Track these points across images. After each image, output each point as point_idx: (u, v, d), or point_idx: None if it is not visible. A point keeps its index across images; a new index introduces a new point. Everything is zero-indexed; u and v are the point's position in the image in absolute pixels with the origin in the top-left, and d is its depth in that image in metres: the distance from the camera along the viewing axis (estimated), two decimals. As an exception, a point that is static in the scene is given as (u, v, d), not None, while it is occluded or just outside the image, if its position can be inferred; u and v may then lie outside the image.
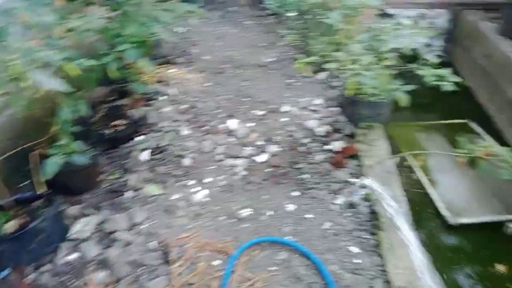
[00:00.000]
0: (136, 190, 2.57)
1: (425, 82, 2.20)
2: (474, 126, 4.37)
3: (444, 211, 3.26)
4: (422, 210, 3.36)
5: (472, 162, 2.05)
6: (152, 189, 2.57)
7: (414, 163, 3.85)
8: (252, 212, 2.40)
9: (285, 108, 3.35)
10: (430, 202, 3.41)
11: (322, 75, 3.83)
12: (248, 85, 3.71)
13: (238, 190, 2.58)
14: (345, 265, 2.08)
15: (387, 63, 2.24)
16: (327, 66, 2.28)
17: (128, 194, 2.54)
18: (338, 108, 3.29)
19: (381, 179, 2.59)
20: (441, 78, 2.20)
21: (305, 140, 2.99)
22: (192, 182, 2.64)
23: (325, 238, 2.24)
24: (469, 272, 2.88)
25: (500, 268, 2.93)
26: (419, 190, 3.54)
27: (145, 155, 2.84)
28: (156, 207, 2.44)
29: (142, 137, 2.99)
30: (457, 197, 3.42)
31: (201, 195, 2.54)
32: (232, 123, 3.17)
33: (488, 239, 3.13)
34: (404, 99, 2.09)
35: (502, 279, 2.81)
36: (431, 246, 3.01)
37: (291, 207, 2.43)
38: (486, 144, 2.06)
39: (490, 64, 4.61)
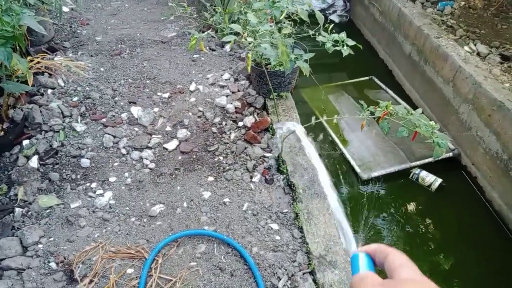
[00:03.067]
0: (26, 205, 2.21)
1: (327, 49, 2.15)
2: (378, 81, 4.62)
3: (357, 168, 3.44)
4: (339, 169, 3.51)
5: (377, 120, 2.09)
6: (46, 201, 2.24)
7: (327, 125, 3.98)
8: (165, 208, 2.22)
9: (192, 86, 3.13)
10: (345, 161, 3.58)
11: (227, 47, 3.64)
12: (150, 66, 3.39)
13: (147, 185, 2.36)
14: (266, 244, 2.03)
15: (286, 31, 2.14)
16: (224, 39, 2.10)
17: (17, 211, 2.17)
18: (247, 81, 3.17)
19: (293, 149, 2.57)
20: (339, 43, 2.16)
21: (217, 119, 2.84)
22: (93, 185, 2.35)
23: (245, 220, 2.16)
24: (385, 215, 3.12)
25: (411, 207, 3.22)
26: (334, 152, 3.69)
27: (34, 162, 2.45)
28: (54, 221, 2.13)
29: (28, 141, 2.57)
30: (367, 153, 3.63)
31: (105, 198, 2.27)
32: (135, 111, 2.87)
33: (398, 186, 3.41)
34: (305, 68, 2.02)
35: (412, 216, 3.11)
36: (349, 203, 3.19)
37: (207, 194, 2.30)
38: (385, 104, 2.10)
39: (387, 20, 4.84)
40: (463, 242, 2.92)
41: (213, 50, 3.65)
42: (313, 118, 2.27)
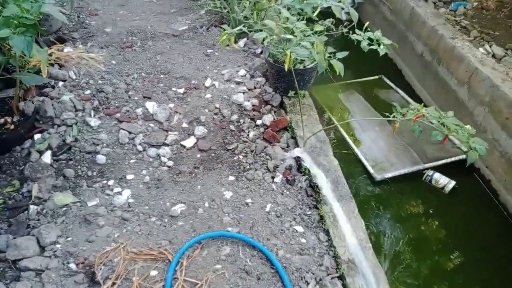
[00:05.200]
0: (41, 202, 2.13)
1: (362, 48, 2.09)
2: (387, 81, 4.59)
3: (370, 169, 3.41)
4: (353, 171, 3.48)
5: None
6: (62, 198, 2.16)
7: (338, 125, 3.94)
8: (186, 207, 2.16)
9: (208, 82, 3.06)
10: (357, 161, 3.54)
11: (241, 42, 3.56)
12: (163, 60, 3.30)
13: (167, 183, 2.30)
14: (292, 247, 1.99)
15: (318, 29, 2.08)
16: (256, 36, 2.02)
17: (32, 208, 2.09)
18: (263, 78, 3.10)
19: (315, 149, 2.52)
20: (374, 42, 2.11)
21: (234, 117, 2.77)
22: (111, 182, 2.28)
23: (268, 222, 2.11)
24: (399, 218, 3.10)
25: (424, 210, 3.17)
26: (347, 152, 3.65)
27: (47, 157, 2.36)
28: (71, 220, 2.06)
29: (39, 136, 2.48)
30: (380, 153, 3.59)
31: (124, 196, 2.20)
32: (150, 106, 2.79)
33: (411, 188, 3.39)
34: (340, 67, 1.96)
35: (425, 218, 3.09)
36: (362, 204, 3.16)
37: (228, 194, 2.24)
38: (416, 107, 2.06)
39: (398, 19, 4.79)
40: (475, 245, 2.90)
41: (227, 45, 3.57)
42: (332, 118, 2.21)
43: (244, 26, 2.16)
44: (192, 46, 3.55)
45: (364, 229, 2.05)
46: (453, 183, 3.25)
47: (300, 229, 2.08)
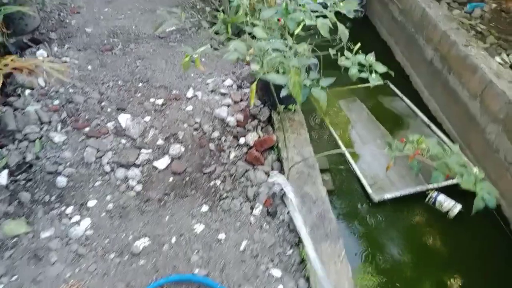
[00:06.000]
0: (-11, 232, 1.90)
1: (350, 76, 1.80)
2: (393, 87, 4.25)
3: (368, 188, 3.12)
4: (349, 189, 3.20)
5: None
6: (13, 227, 1.93)
7: (337, 136, 3.65)
8: (150, 243, 1.91)
9: (190, 93, 2.78)
10: (355, 178, 3.26)
11: (231, 45, 3.26)
12: (143, 65, 3.03)
13: (132, 213, 2.05)
14: (267, 297, 1.73)
15: (301, 48, 1.79)
16: (225, 57, 1.75)
17: (-22, 239, 1.87)
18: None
19: (301, 175, 2.24)
20: (366, 68, 1.81)
21: (215, 134, 2.50)
22: (69, 209, 2.04)
23: (242, 263, 1.85)
24: (397, 246, 2.82)
25: (426, 238, 2.90)
26: (344, 167, 3.37)
27: (3, 177, 2.13)
28: (19, 254, 1.83)
29: (-2, 152, 2.24)
30: (380, 170, 3.29)
31: (82, 227, 1.96)
32: (123, 119, 2.54)
33: (412, 211, 3.10)
34: (323, 99, 1.67)
35: (427, 247, 2.80)
36: (357, 229, 2.88)
37: (199, 227, 1.99)
38: (416, 138, 1.76)
39: (408, 20, 4.43)
40: (484, 279, 2.62)
41: (216, 49, 3.29)
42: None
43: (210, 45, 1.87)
44: (177, 49, 3.27)
45: (350, 277, 1.78)
46: (458, 207, 2.95)
47: (277, 273, 1.81)
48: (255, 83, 1.67)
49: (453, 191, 2.89)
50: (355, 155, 3.49)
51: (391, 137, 3.62)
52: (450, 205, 2.99)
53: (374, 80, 1.78)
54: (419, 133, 3.96)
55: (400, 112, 3.97)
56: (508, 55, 3.33)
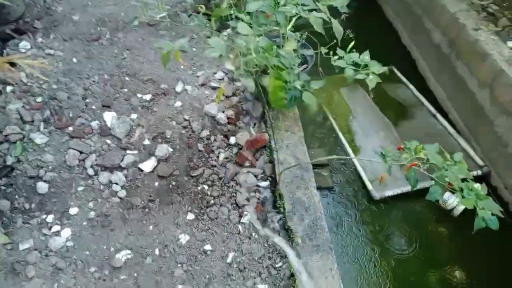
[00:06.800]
0: (-34, 244, 1.83)
1: (347, 77, 1.64)
2: (398, 73, 4.03)
3: (369, 185, 2.99)
4: (348, 186, 3.07)
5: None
6: (-9, 239, 1.85)
7: (337, 127, 3.49)
8: (132, 255, 1.82)
9: (179, 87, 2.63)
10: (355, 172, 3.14)
11: (225, 36, 3.07)
12: (131, 57, 2.87)
13: (114, 222, 1.95)
14: (253, 315, 1.65)
15: (290, 46, 1.61)
16: (207, 53, 1.59)
17: (-45, 251, 1.80)
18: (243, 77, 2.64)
19: (294, 179, 2.11)
20: (361, 68, 1.64)
21: (205, 133, 2.37)
22: (50, 218, 1.95)
23: (228, 277, 1.76)
24: (398, 247, 2.72)
25: (430, 238, 2.79)
26: (344, 161, 3.23)
27: (-19, 184, 2.04)
28: (-3, 268, 1.76)
29: (-24, 156, 2.15)
30: (382, 165, 3.14)
31: (62, 237, 1.88)
32: (108, 117, 2.41)
33: (414, 209, 2.98)
34: (312, 102, 1.52)
35: (430, 248, 2.69)
36: (356, 229, 2.77)
37: (184, 238, 1.89)
38: (413, 146, 1.61)
39: (415, 1, 4.15)
40: (491, 278, 2.51)
41: (208, 37, 3.09)
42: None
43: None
44: (168, 38, 3.09)
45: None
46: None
47: (265, 288, 1.72)
48: (230, 91, 1.51)
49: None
50: (356, 148, 3.34)
51: (394, 129, 3.46)
52: (455, 203, 2.85)
53: (372, 82, 1.62)
54: (425, 124, 3.76)
55: (405, 100, 3.77)
56: (522, 40, 3.09)
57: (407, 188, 2.96)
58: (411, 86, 3.84)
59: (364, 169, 3.11)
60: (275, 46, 1.94)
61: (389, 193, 2.94)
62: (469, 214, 2.78)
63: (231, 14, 1.82)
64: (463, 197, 1.40)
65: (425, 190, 2.94)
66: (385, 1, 4.93)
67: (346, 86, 3.93)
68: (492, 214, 1.44)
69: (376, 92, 3.84)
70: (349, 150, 3.24)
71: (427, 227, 2.83)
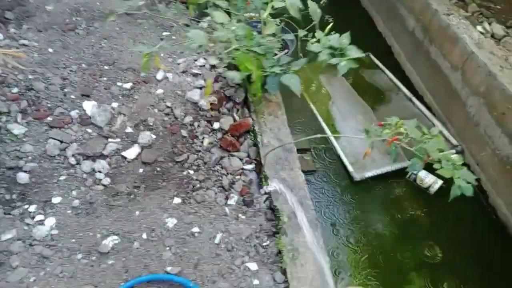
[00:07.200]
0: None
1: (320, 62, 1.68)
2: (375, 60, 4.14)
3: (349, 167, 3.08)
4: (329, 168, 3.15)
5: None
6: (-29, 231, 1.80)
7: (317, 113, 3.56)
8: (120, 240, 1.82)
9: (160, 75, 2.61)
10: (335, 156, 3.22)
11: (204, 23, 3.07)
12: (109, 46, 2.82)
13: (99, 209, 1.94)
14: (243, 291, 1.68)
15: (269, 30, 1.64)
16: (187, 44, 1.60)
17: None
18: (226, 69, 2.65)
19: (278, 161, 2.15)
20: (336, 52, 1.68)
21: (188, 119, 2.37)
22: (32, 207, 1.92)
23: (217, 257, 1.79)
24: (378, 226, 2.81)
25: (406, 215, 2.91)
26: (325, 146, 3.30)
27: (-42, 176, 1.98)
28: (-21, 259, 1.72)
29: (-49, 148, 2.08)
30: (361, 147, 3.24)
31: (47, 226, 1.85)
32: (88, 106, 2.37)
33: (393, 189, 3.09)
34: (295, 86, 1.55)
35: (408, 224, 2.81)
36: (337, 211, 2.86)
37: (171, 221, 1.90)
38: (394, 122, 1.67)
39: (389, -11, 4.25)
40: (464, 253, 2.65)
41: (187, 25, 3.08)
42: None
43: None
44: (146, 27, 3.06)
45: (327, 265, 1.74)
46: (439, 182, 2.95)
47: (253, 266, 1.76)
48: (211, 79, 1.53)
49: (432, 169, 2.87)
50: (336, 132, 3.42)
51: (372, 113, 3.56)
52: (431, 181, 2.98)
53: (343, 69, 1.66)
54: (401, 107, 3.88)
55: (382, 86, 3.88)
56: (490, 23, 3.23)
57: (386, 169, 3.08)
58: (387, 72, 3.96)
59: (345, 152, 3.19)
60: (255, 33, 1.97)
61: (368, 174, 3.04)
62: (445, 192, 2.93)
63: (208, 1, 1.82)
64: (441, 167, 1.47)
65: (402, 170, 3.07)
66: (360, -10, 5.02)
67: (325, 73, 4.00)
68: (468, 183, 1.52)
69: (354, 78, 3.98)
70: (329, 133, 3.31)
71: (405, 203, 2.95)
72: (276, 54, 1.97)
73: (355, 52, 1.70)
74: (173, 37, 2.98)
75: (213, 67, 2.72)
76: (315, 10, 1.57)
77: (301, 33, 1.73)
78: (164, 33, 3.01)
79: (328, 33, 1.72)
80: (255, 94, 1.58)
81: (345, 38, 1.71)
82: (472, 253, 2.64)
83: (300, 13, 1.61)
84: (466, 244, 2.69)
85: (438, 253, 2.65)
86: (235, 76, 1.50)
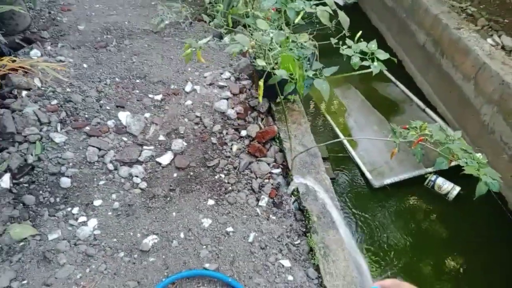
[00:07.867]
0: (-5, 237, 1.89)
1: (353, 65, 1.81)
2: (387, 73, 4.28)
3: (368, 175, 3.16)
4: (349, 177, 3.23)
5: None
6: (20, 231, 1.92)
7: (334, 124, 3.68)
8: (159, 239, 1.92)
9: (188, 87, 2.77)
10: (353, 164, 3.31)
11: (226, 39, 3.25)
12: (140, 61, 3.00)
13: (138, 210, 2.05)
14: (278, 287, 1.76)
15: (303, 39, 1.78)
16: (227, 50, 1.75)
17: (-15, 244, 1.86)
18: (249, 81, 2.81)
19: (305, 165, 2.26)
20: (368, 56, 1.82)
21: (217, 127, 2.50)
22: (75, 210, 2.03)
23: (251, 255, 1.88)
24: (399, 230, 2.87)
25: (426, 220, 2.96)
26: (343, 155, 3.40)
27: (5, 181, 2.11)
28: (28, 257, 1.83)
29: (-2, 156, 2.22)
30: (378, 156, 3.34)
31: (89, 227, 1.96)
32: (123, 117, 2.52)
33: (412, 195, 3.15)
34: (325, 91, 1.68)
35: (427, 229, 2.87)
36: (359, 216, 2.93)
37: (207, 222, 2.00)
38: (418, 125, 1.78)
39: (398, 6, 4.43)
40: (483, 259, 2.68)
41: (221, 37, 3.26)
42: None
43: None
44: (173, 44, 3.24)
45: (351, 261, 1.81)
46: (457, 189, 3.01)
47: (286, 263, 1.84)
48: (262, 79, 1.67)
49: (451, 174, 2.94)
50: (353, 142, 3.52)
51: (387, 123, 3.66)
52: (449, 188, 3.05)
53: (376, 68, 1.79)
54: (415, 118, 4.00)
55: (395, 97, 4.00)
56: (499, 36, 3.36)
57: (404, 176, 3.15)
58: (400, 84, 4.09)
59: (362, 161, 3.29)
60: (290, 39, 2.11)
61: (387, 181, 3.12)
62: (462, 198, 3.00)
63: (246, 12, 1.98)
64: (467, 164, 1.56)
65: (420, 178, 3.14)
66: (370, 9, 5.23)
67: (339, 87, 4.15)
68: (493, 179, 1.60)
69: (367, 91, 4.12)
70: (347, 145, 3.41)
71: (423, 209, 3.01)
72: (309, 60, 2.10)
73: (383, 55, 1.82)
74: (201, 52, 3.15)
75: (237, 79, 2.88)
76: (344, 19, 1.71)
77: (333, 41, 1.87)
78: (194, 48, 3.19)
79: (358, 40, 1.85)
80: (297, 93, 1.67)
81: (373, 43, 1.85)
82: (489, 254, 2.67)
83: (331, 22, 1.75)
84: (484, 246, 2.73)
85: (457, 258, 2.69)
86: (283, 74, 1.63)
